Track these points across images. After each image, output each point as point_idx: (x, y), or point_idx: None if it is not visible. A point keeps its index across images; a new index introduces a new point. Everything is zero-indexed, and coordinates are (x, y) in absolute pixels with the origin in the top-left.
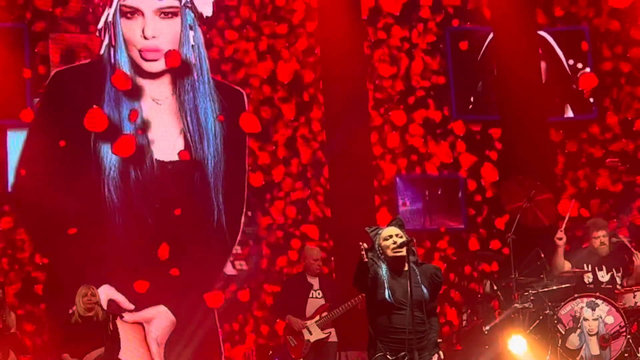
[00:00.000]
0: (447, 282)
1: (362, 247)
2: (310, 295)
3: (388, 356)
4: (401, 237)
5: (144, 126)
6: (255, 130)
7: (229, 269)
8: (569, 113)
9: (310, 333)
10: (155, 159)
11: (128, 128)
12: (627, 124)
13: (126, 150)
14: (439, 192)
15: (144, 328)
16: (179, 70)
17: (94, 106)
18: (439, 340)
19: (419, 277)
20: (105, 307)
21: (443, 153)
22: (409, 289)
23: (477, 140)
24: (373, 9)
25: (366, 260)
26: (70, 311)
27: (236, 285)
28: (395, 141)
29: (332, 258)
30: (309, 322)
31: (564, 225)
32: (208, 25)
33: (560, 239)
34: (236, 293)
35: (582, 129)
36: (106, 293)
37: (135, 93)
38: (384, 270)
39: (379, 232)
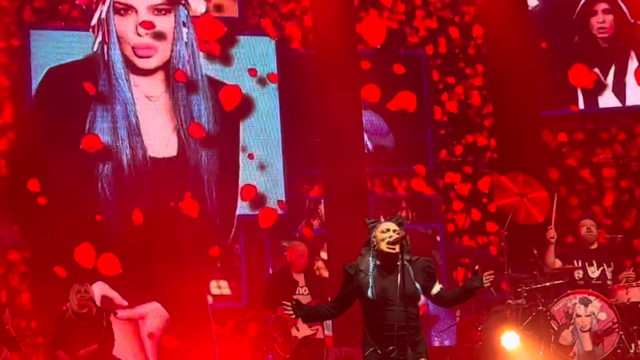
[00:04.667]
0: None
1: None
2: (297, 292)
3: (378, 351)
4: (398, 233)
5: None
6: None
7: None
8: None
9: (298, 330)
10: (149, 156)
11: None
12: None
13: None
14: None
15: (137, 324)
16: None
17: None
18: None
19: (411, 273)
20: (98, 303)
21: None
22: (399, 284)
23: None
24: None
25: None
26: (64, 308)
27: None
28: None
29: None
30: None
31: (553, 221)
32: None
33: (552, 237)
34: None
35: None
36: (100, 289)
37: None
38: (371, 267)
39: (377, 224)
